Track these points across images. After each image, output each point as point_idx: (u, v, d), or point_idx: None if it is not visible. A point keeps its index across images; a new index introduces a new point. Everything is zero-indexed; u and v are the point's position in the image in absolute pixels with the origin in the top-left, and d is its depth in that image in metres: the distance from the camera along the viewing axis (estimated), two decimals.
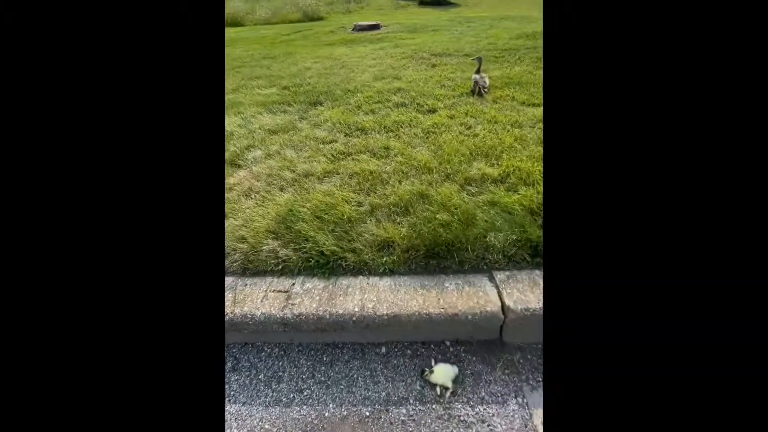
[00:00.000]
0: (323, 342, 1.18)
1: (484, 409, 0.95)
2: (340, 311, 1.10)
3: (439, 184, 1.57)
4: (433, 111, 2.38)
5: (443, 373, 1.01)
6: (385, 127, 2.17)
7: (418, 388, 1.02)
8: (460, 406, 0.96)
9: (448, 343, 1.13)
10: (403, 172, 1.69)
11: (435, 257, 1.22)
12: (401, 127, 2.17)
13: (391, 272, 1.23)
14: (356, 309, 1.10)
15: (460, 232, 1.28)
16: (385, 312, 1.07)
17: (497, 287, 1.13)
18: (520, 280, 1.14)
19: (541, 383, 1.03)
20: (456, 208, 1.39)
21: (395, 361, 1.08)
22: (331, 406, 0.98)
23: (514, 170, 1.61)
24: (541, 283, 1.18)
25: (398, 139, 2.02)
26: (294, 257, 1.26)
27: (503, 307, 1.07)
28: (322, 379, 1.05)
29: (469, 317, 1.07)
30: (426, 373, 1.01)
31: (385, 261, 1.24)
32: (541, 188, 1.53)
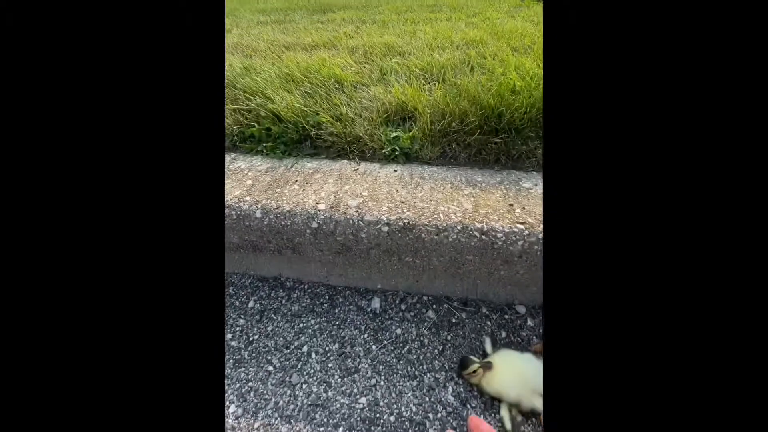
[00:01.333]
0: (255, 274, 0.59)
1: None
2: (287, 207, 0.53)
3: (502, 53, 0.94)
4: (481, 13, 1.73)
5: (517, 374, 0.40)
6: (413, 21, 1.56)
7: (451, 400, 0.41)
8: None
9: (522, 311, 0.52)
10: (438, 46, 1.08)
11: (499, 132, 0.59)
12: (436, 21, 1.54)
13: (406, 158, 0.65)
14: (322, 206, 0.54)
15: None
16: (385, 217, 0.47)
17: None
18: None
19: None
20: (538, 76, 0.77)
21: (398, 330, 0.49)
22: (233, 408, 0.44)
23: None
24: None
25: (432, 26, 1.40)
26: (228, 120, 0.72)
27: None
28: (237, 345, 0.47)
29: None
30: (473, 368, 0.40)
31: (396, 137, 0.66)
32: None
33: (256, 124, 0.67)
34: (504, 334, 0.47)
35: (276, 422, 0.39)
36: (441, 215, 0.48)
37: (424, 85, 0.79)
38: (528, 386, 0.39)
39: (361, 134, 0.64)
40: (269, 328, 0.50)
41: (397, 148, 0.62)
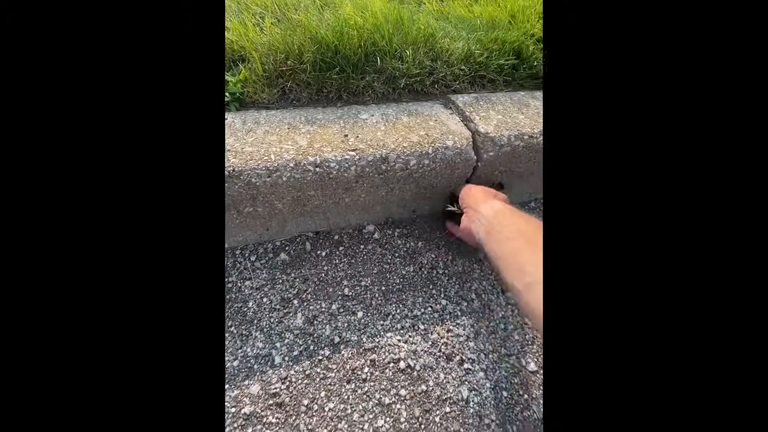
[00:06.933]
0: None
1: None
2: None
3: None
4: None
5: None
6: None
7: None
8: None
9: (371, 229, 0.56)
10: None
11: (334, 67, 0.57)
12: None
13: (240, 104, 0.57)
14: None
15: (387, 33, 0.68)
16: None
17: (462, 114, 0.57)
18: (498, 103, 0.59)
19: None
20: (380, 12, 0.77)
21: (247, 282, 0.46)
22: None
23: None
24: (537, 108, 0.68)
25: None
26: None
27: (475, 143, 0.56)
28: None
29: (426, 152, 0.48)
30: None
31: (224, 82, 0.58)
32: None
33: None
34: (351, 247, 0.52)
35: None
36: (272, 156, 0.45)
37: (257, 22, 0.70)
38: None
39: None
40: None
41: (227, 95, 0.55)
